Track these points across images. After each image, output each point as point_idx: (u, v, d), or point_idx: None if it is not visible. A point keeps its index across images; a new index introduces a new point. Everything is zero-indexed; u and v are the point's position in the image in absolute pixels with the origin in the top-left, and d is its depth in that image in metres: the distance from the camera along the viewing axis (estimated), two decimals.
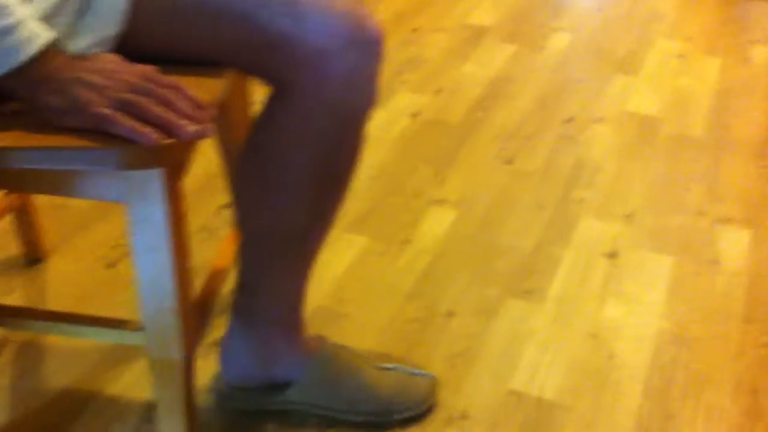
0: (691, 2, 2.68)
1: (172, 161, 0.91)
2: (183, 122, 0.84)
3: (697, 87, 2.16)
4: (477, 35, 2.41)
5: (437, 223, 1.61)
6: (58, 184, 0.94)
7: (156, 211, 0.93)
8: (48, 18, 0.89)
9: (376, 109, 2.01)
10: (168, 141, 0.83)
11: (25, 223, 1.46)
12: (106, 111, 0.83)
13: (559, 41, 2.39)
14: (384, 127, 1.93)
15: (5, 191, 1.38)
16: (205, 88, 0.97)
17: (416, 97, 2.07)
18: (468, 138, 1.91)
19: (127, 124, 0.83)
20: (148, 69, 0.89)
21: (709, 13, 2.61)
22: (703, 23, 2.53)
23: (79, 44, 0.93)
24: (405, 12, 2.54)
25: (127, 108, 0.84)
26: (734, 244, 1.58)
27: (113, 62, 0.88)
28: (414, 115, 1.99)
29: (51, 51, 0.84)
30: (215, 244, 1.52)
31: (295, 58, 0.97)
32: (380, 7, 2.55)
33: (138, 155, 0.84)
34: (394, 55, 2.27)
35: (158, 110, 0.85)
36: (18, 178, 0.95)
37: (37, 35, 0.83)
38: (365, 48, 0.99)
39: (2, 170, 0.92)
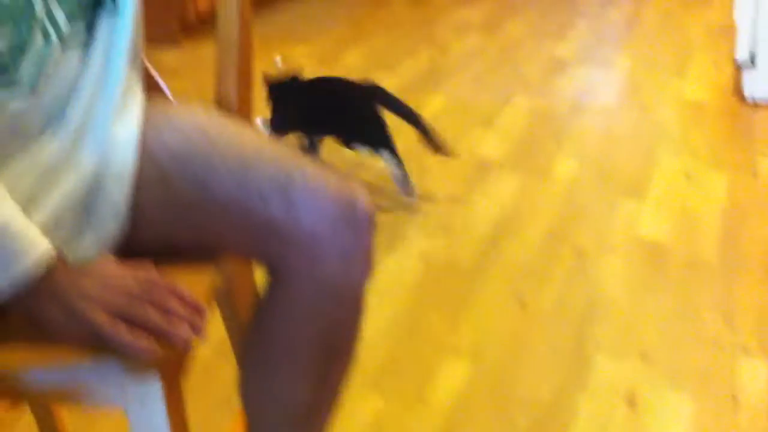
0: (696, 116, 2.72)
1: (171, 367, 0.93)
2: (180, 330, 0.86)
3: (705, 207, 2.17)
4: (484, 168, 2.45)
5: (452, 377, 1.61)
6: (58, 395, 0.96)
7: (156, 416, 0.94)
8: (50, 227, 0.92)
9: (387, 256, 2.03)
10: (165, 350, 0.86)
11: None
12: (105, 324, 0.85)
13: (566, 168, 2.42)
14: (395, 275, 1.95)
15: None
16: (201, 281, 1.00)
17: (426, 240, 2.10)
18: (479, 279, 1.92)
19: (125, 338, 0.85)
20: (146, 273, 0.91)
21: (715, 125, 2.64)
22: (708, 137, 2.56)
23: (80, 248, 0.96)
24: (412, 148, 2.59)
25: (125, 317, 0.87)
26: (754, 378, 1.55)
27: (111, 269, 0.90)
28: (425, 260, 2.01)
29: (51, 261, 0.86)
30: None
31: (290, 243, 1.00)
32: None
33: (136, 364, 0.87)
34: (401, 196, 2.31)
35: (156, 318, 0.87)
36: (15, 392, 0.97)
37: (37, 247, 0.85)
38: (357, 225, 1.02)
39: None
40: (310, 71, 3.30)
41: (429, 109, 2.87)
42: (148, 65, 1.22)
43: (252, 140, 1.04)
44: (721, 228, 2.06)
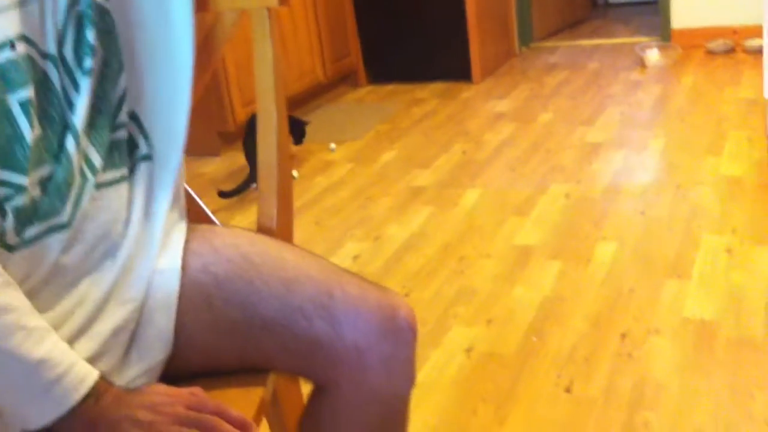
0: (734, 192, 2.71)
1: None
2: None
3: (750, 282, 2.15)
4: (523, 256, 2.46)
5: None
6: None
7: None
8: (98, 356, 0.96)
9: (432, 349, 2.04)
10: None
11: None
12: None
13: (605, 251, 2.43)
14: (439, 368, 1.95)
15: None
16: (248, 399, 1.02)
17: (469, 331, 2.10)
18: (524, 368, 1.92)
19: None
20: (193, 395, 0.94)
21: (752, 200, 2.64)
22: (747, 212, 2.55)
23: (129, 375, 0.99)
24: (452, 242, 2.62)
25: None
26: None
27: (160, 395, 0.93)
28: (468, 351, 2.01)
29: (101, 389, 0.89)
30: None
31: (334, 357, 1.02)
32: (427, 242, 2.64)
33: None
34: (444, 288, 2.33)
35: None
36: None
37: (85, 378, 0.88)
38: (399, 336, 1.04)
39: None
40: (349, 170, 3.39)
41: (466, 202, 2.91)
42: (194, 195, 1.28)
43: (293, 261, 1.07)
44: (767, 303, 2.04)
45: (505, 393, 1.84)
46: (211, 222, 1.24)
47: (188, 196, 1.19)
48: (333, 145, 3.67)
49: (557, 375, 1.87)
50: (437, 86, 4.54)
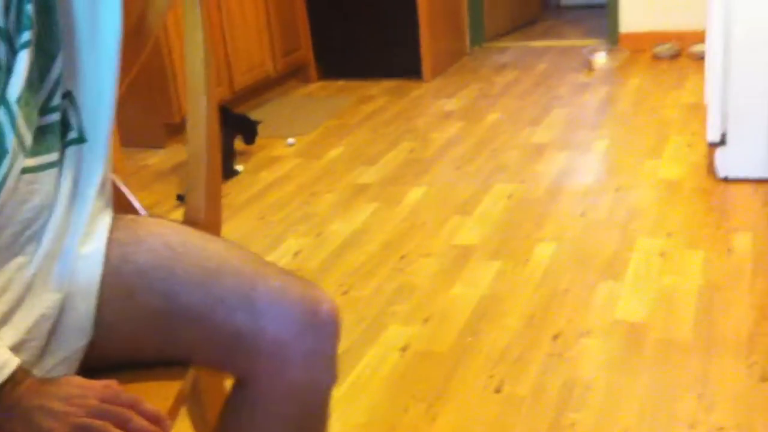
0: (671, 195, 2.76)
1: None
2: None
3: (681, 285, 2.19)
4: (464, 255, 2.48)
5: None
6: None
7: None
8: (20, 344, 0.95)
9: (367, 347, 2.04)
10: None
11: None
12: None
13: (544, 252, 2.45)
14: (373, 367, 1.96)
15: None
16: (165, 393, 1.01)
17: (405, 329, 2.11)
18: (458, 367, 1.93)
19: None
20: (108, 388, 0.93)
21: (689, 204, 2.69)
22: (683, 216, 2.60)
23: (48, 364, 0.98)
24: (393, 239, 2.63)
25: None
26: None
27: (74, 386, 0.92)
28: (403, 349, 2.02)
29: (18, 378, 0.89)
30: None
31: (255, 350, 1.02)
32: (369, 239, 2.65)
33: None
34: (383, 286, 2.34)
35: None
36: None
37: (5, 365, 0.88)
38: (321, 330, 1.05)
39: None
40: (295, 165, 3.38)
41: (410, 200, 2.92)
42: (120, 185, 1.26)
43: (217, 252, 1.07)
44: (697, 305, 2.08)
45: (437, 391, 1.85)
46: (136, 212, 1.23)
47: (115, 186, 1.18)
48: (291, 140, 3.66)
49: (489, 374, 1.89)
50: (388, 83, 4.54)
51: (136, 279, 1.03)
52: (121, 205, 1.20)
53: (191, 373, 1.06)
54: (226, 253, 1.08)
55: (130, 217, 1.13)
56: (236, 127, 3.42)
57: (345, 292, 2.32)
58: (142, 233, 1.07)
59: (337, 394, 1.86)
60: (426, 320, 2.15)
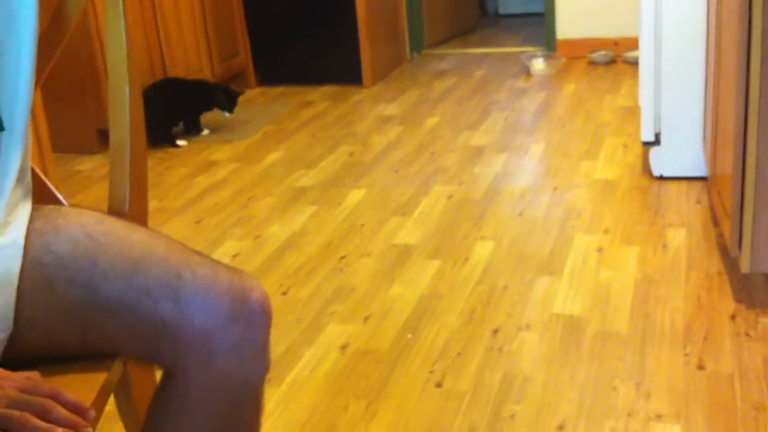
0: (606, 194, 2.80)
1: None
2: None
3: (617, 280, 2.21)
4: (403, 255, 2.47)
5: None
6: None
7: None
8: None
9: (307, 347, 2.02)
10: None
11: None
12: None
13: (483, 250, 2.46)
14: (312, 366, 1.94)
15: None
16: (89, 384, 0.98)
17: (345, 328, 2.09)
18: (398, 364, 1.92)
19: None
20: (28, 379, 0.89)
21: (624, 202, 2.72)
22: (618, 213, 2.63)
23: None
24: (333, 241, 2.61)
25: (4, 424, 0.84)
26: None
27: None
28: (343, 348, 2.00)
29: None
30: None
31: (182, 341, 0.99)
32: (308, 241, 2.62)
33: None
34: (322, 287, 2.31)
35: (35, 423, 0.85)
36: None
37: None
38: (250, 319, 1.02)
39: None
40: (232, 170, 3.34)
41: (349, 202, 2.90)
42: (41, 175, 1.23)
43: (141, 241, 1.04)
44: (633, 299, 2.10)
45: (378, 389, 1.83)
46: (58, 203, 1.19)
47: (35, 176, 1.14)
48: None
49: (429, 370, 1.88)
50: (328, 89, 4.53)
51: (56, 270, 0.99)
52: (42, 196, 1.16)
53: (117, 365, 1.02)
54: (150, 242, 1.04)
55: (51, 207, 1.09)
56: (212, 98, 3.77)
57: (284, 293, 2.29)
58: (62, 223, 1.03)
59: (277, 393, 1.83)
60: (366, 319, 2.13)
